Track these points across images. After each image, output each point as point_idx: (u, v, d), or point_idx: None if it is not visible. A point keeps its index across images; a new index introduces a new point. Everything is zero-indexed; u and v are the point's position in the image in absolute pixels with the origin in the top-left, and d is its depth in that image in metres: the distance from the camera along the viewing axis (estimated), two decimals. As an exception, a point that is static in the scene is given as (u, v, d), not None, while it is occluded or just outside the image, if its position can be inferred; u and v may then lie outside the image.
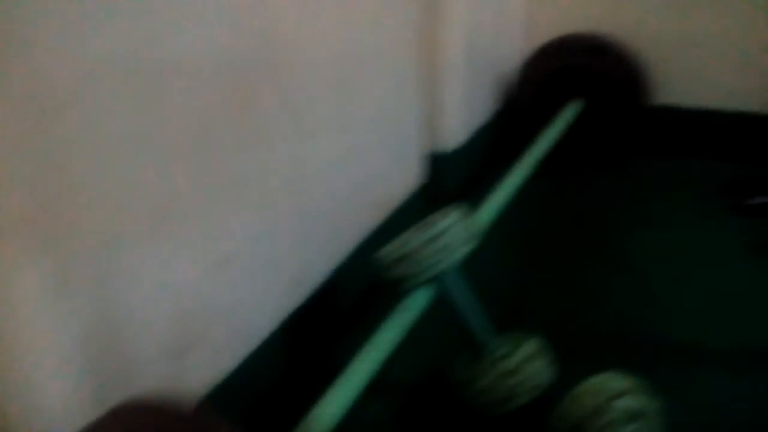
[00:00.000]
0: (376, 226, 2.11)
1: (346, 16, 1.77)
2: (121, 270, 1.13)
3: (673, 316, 1.97)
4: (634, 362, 1.74)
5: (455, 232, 1.51)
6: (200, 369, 1.35)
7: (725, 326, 1.92)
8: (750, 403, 1.64)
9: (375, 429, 1.59)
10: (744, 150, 2.96)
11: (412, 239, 1.49)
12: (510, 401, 1.55)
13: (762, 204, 2.54)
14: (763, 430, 1.58)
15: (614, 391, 1.40)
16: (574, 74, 2.96)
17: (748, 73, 2.89)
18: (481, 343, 1.60)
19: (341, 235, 1.92)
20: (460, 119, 2.60)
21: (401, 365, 1.57)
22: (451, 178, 2.63)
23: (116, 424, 0.83)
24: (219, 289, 1.39)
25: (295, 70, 1.57)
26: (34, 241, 0.95)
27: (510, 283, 2.18)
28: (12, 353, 0.96)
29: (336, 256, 1.89)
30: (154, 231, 1.19)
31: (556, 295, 2.11)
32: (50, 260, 0.98)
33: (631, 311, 2.01)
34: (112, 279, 1.11)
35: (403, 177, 2.33)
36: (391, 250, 1.52)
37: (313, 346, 1.80)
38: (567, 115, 2.75)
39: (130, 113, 1.10)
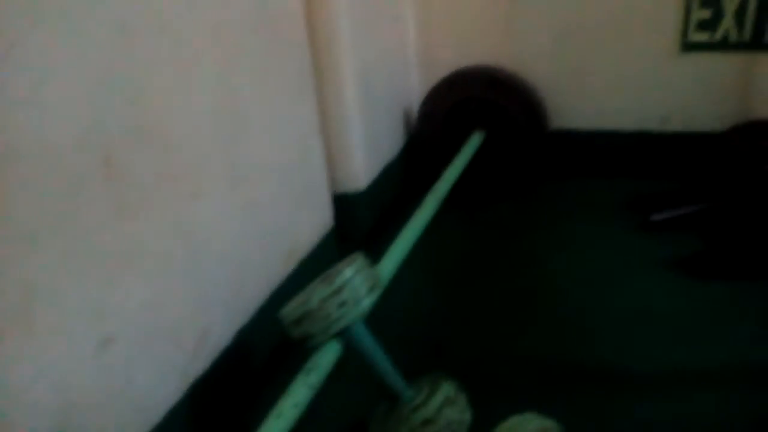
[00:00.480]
0: (285, 277, 2.04)
1: (226, 70, 1.72)
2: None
3: (591, 342, 1.97)
4: (553, 396, 1.74)
5: (357, 283, 1.47)
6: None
7: (645, 349, 1.92)
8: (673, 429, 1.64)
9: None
10: (646, 167, 3.06)
11: (313, 295, 1.44)
12: (429, 451, 1.51)
13: (667, 218, 2.61)
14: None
15: (529, 432, 1.38)
16: (473, 106, 3.00)
17: (642, 95, 2.99)
18: (395, 393, 1.56)
19: (246, 292, 1.84)
20: (364, 158, 2.58)
21: (316, 423, 1.51)
22: (361, 218, 2.60)
23: None
24: (106, 369, 1.29)
25: (173, 133, 1.50)
26: None
27: (425, 322, 2.16)
28: None
29: (242, 315, 1.81)
30: (21, 322, 1.09)
31: (473, 330, 2.10)
32: None
33: (549, 341, 2.00)
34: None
35: (310, 223, 2.28)
36: (293, 308, 1.46)
37: (224, 412, 1.72)
38: (469, 149, 2.77)
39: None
